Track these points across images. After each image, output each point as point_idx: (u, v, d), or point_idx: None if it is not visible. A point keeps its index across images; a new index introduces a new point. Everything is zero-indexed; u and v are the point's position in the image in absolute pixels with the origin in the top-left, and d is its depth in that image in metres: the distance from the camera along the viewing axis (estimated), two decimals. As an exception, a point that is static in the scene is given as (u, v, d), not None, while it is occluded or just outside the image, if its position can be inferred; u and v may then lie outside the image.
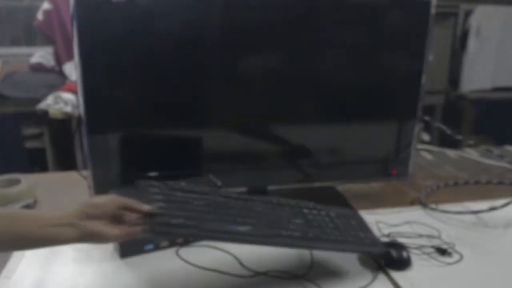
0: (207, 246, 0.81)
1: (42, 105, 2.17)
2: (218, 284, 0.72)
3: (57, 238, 0.56)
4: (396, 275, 0.74)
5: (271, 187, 0.96)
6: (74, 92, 2.16)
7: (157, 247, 0.80)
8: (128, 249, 0.78)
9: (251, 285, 0.72)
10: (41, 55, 2.54)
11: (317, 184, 0.99)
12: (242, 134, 0.90)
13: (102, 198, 0.61)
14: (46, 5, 2.43)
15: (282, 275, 0.73)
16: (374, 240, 0.78)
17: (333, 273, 0.75)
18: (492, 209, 0.94)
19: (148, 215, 0.61)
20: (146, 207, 0.61)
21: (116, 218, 0.61)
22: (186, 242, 0.81)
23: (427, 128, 2.84)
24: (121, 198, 0.61)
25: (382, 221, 0.91)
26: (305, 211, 0.76)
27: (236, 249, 0.80)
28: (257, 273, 0.73)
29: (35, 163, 2.36)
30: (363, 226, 0.80)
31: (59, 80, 2.41)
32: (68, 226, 0.56)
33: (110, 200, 0.60)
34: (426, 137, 2.81)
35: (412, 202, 1.03)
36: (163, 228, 0.60)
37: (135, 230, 0.61)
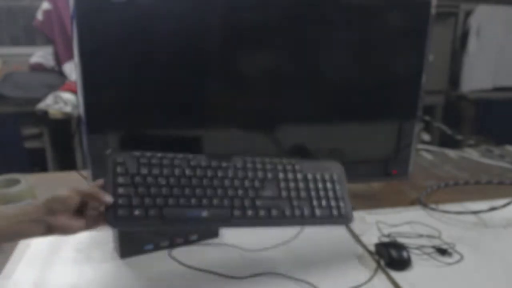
0: (206, 244, 0.81)
1: (41, 105, 2.17)
2: (216, 285, 0.72)
3: (24, 234, 0.60)
4: (396, 275, 0.74)
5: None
6: (73, 92, 2.16)
7: (157, 247, 0.80)
8: (128, 249, 0.78)
9: (252, 285, 0.72)
10: (41, 55, 2.54)
11: (317, 184, 0.99)
12: (242, 134, 0.90)
13: (66, 192, 0.61)
14: (45, 5, 2.43)
15: (278, 276, 0.73)
16: (344, 211, 0.76)
17: (332, 273, 0.75)
18: (492, 209, 0.94)
19: (108, 207, 0.63)
20: (106, 199, 0.62)
21: (80, 209, 0.62)
22: (186, 242, 0.81)
23: (427, 128, 2.84)
24: (84, 189, 0.62)
25: (382, 221, 0.91)
26: (281, 175, 0.75)
27: (235, 250, 0.80)
28: (257, 274, 0.74)
29: (35, 163, 2.36)
30: (340, 190, 0.79)
31: (59, 80, 2.41)
32: (34, 222, 0.58)
33: (74, 192, 0.61)
34: (426, 137, 2.82)
35: (412, 202, 1.03)
36: (122, 222, 0.63)
37: (97, 223, 0.63)
